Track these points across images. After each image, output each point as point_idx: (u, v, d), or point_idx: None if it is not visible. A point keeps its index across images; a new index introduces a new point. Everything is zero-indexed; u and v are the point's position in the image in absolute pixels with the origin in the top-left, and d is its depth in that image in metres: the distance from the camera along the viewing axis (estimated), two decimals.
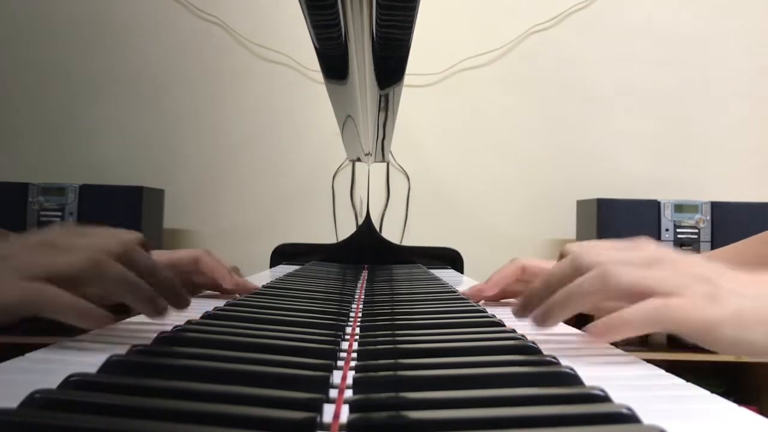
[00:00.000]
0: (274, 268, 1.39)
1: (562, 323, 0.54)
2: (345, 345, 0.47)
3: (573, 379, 0.36)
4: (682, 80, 2.51)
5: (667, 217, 2.18)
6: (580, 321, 0.57)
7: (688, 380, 0.39)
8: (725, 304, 0.42)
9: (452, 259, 1.43)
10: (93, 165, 2.43)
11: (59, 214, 2.14)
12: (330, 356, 0.41)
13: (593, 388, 0.33)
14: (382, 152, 1.26)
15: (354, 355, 0.43)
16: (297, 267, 1.29)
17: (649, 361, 0.44)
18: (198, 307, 0.64)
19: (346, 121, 0.97)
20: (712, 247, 2.17)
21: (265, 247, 1.49)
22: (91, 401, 0.29)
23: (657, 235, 2.18)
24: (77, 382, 0.31)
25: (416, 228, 2.48)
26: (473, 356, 0.42)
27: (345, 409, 0.31)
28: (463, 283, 1.11)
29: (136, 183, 2.21)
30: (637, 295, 0.44)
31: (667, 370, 0.42)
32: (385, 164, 2.44)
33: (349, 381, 0.35)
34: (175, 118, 2.51)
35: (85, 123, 2.49)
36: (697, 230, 2.18)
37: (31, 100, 2.51)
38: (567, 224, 2.42)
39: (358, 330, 0.54)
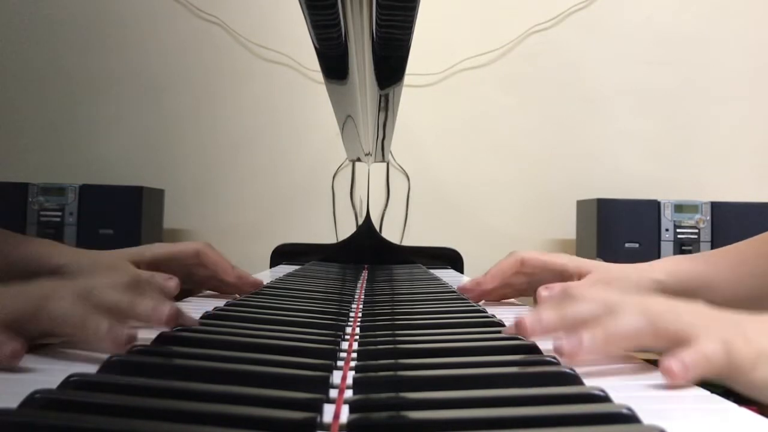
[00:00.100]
0: (274, 268, 1.39)
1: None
2: (345, 345, 0.47)
3: (573, 379, 0.36)
4: (682, 80, 2.51)
5: (667, 217, 2.18)
6: None
7: None
8: (756, 346, 0.41)
9: (452, 259, 1.43)
10: (93, 165, 2.43)
11: (59, 214, 2.14)
12: (330, 356, 0.41)
13: (593, 388, 0.33)
14: (382, 152, 1.26)
15: (354, 355, 0.43)
16: (297, 267, 1.29)
17: (647, 361, 0.44)
18: (198, 307, 0.64)
19: (346, 121, 0.97)
20: (712, 247, 2.16)
21: (265, 247, 1.49)
22: (91, 401, 0.29)
23: (657, 235, 2.18)
24: (77, 382, 0.31)
25: (416, 228, 2.47)
26: (473, 356, 0.42)
27: (345, 409, 0.31)
28: (463, 283, 1.11)
29: (136, 183, 2.21)
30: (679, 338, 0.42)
31: None
32: (385, 164, 2.43)
33: (349, 381, 0.35)
34: (175, 118, 2.51)
35: (85, 123, 2.49)
36: (697, 230, 2.18)
37: (31, 100, 2.51)
38: (567, 224, 2.42)
39: (358, 330, 0.54)
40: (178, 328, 0.48)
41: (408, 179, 2.49)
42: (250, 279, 0.81)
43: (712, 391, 0.37)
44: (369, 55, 0.64)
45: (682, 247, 2.17)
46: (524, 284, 0.80)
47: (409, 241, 2.38)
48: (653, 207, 2.20)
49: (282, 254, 1.45)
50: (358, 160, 1.47)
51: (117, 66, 2.49)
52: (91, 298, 0.42)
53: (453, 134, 2.52)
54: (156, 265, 0.78)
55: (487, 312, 0.61)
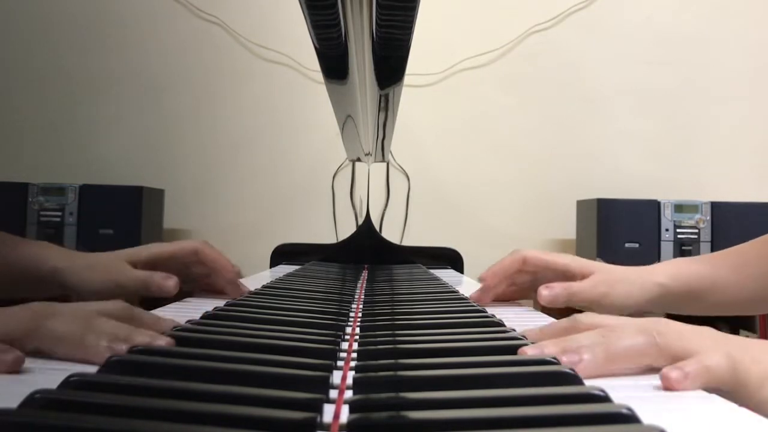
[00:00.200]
0: (274, 268, 1.39)
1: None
2: (345, 345, 0.47)
3: (573, 379, 0.36)
4: (682, 80, 2.51)
5: (667, 217, 2.18)
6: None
7: None
8: (764, 365, 0.40)
9: (452, 259, 1.43)
10: (93, 165, 2.43)
11: (59, 214, 2.14)
12: (330, 356, 0.41)
13: (593, 388, 0.33)
14: (382, 152, 1.26)
15: (354, 355, 0.43)
16: (297, 267, 1.29)
17: None
18: (198, 307, 0.64)
19: (346, 121, 0.97)
20: (712, 247, 2.17)
21: (265, 247, 1.49)
22: (91, 401, 0.29)
23: (657, 235, 2.18)
24: (77, 382, 0.31)
25: (416, 228, 2.48)
26: (473, 356, 0.42)
27: (345, 409, 0.31)
28: (463, 283, 1.12)
29: (136, 183, 2.21)
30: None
31: None
32: (385, 164, 2.43)
33: (349, 381, 0.35)
34: (175, 118, 2.51)
35: (85, 123, 2.49)
36: (697, 230, 2.18)
37: (31, 100, 2.51)
38: (567, 224, 2.42)
39: (358, 330, 0.54)
40: (178, 328, 0.48)
41: (408, 179, 2.49)
42: (242, 290, 0.80)
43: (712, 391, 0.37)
44: (369, 55, 0.64)
45: (682, 247, 2.17)
46: (527, 282, 0.80)
47: (409, 241, 2.38)
48: (653, 207, 2.20)
49: (282, 254, 1.45)
50: (358, 160, 1.47)
51: (117, 66, 2.49)
52: (89, 322, 0.42)
53: (453, 134, 2.52)
54: (153, 264, 0.78)
55: (487, 312, 0.61)
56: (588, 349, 0.41)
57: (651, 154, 2.51)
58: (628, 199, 2.23)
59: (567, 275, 0.75)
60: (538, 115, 2.52)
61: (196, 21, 2.51)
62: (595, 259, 2.18)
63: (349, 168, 2.43)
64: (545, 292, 0.72)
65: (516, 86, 2.52)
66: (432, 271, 1.23)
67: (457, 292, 0.82)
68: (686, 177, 2.49)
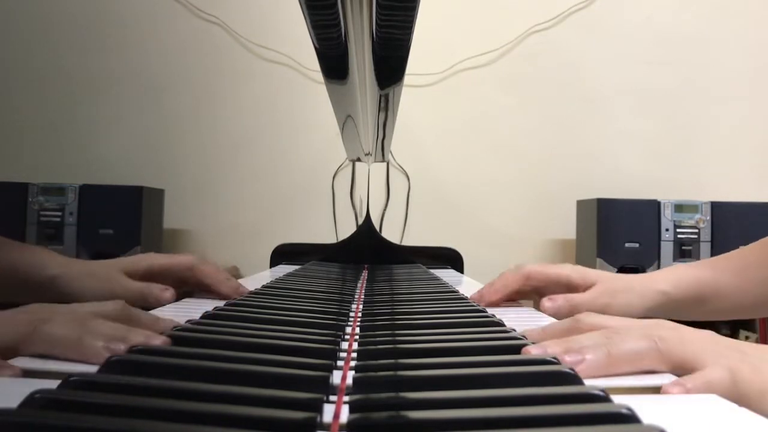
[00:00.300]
0: (274, 268, 1.39)
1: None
2: (345, 345, 0.47)
3: (573, 379, 0.36)
4: (682, 80, 2.51)
5: (667, 217, 2.18)
6: None
7: None
8: (764, 376, 0.41)
9: (452, 259, 1.43)
10: (93, 165, 2.43)
11: (59, 214, 2.14)
12: (330, 356, 0.40)
13: (593, 388, 0.33)
14: (382, 152, 1.26)
15: (354, 355, 0.43)
16: (297, 267, 1.29)
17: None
18: (198, 307, 0.64)
19: (346, 121, 0.97)
20: (712, 247, 2.17)
21: (265, 247, 1.49)
22: (91, 401, 0.29)
23: (657, 235, 2.18)
24: (77, 382, 0.31)
25: (416, 228, 2.48)
26: (473, 356, 0.42)
27: (345, 409, 0.31)
28: (463, 283, 1.11)
29: (136, 183, 2.21)
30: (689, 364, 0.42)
31: None
32: (385, 164, 2.44)
33: (349, 381, 0.35)
34: (175, 118, 2.51)
35: (85, 123, 2.49)
36: (697, 230, 2.18)
37: (31, 100, 2.51)
38: (567, 224, 2.42)
39: (358, 330, 0.54)
40: (178, 328, 0.48)
41: (408, 179, 2.49)
42: (243, 291, 0.80)
43: None
44: (369, 55, 0.64)
45: (682, 246, 2.17)
46: (529, 295, 0.81)
47: (409, 241, 2.38)
48: (653, 207, 2.20)
49: (282, 254, 1.45)
50: (358, 160, 1.47)
51: (117, 66, 2.49)
52: (85, 324, 0.42)
53: (453, 134, 2.52)
54: (149, 276, 0.78)
55: (487, 312, 0.61)
56: (591, 349, 0.41)
57: (651, 154, 2.51)
58: (628, 199, 2.23)
59: (570, 287, 0.76)
60: (538, 115, 2.52)
61: (196, 21, 2.51)
62: (595, 260, 2.19)
63: (349, 168, 2.44)
64: (548, 304, 0.72)
65: (516, 86, 2.52)
66: (432, 271, 1.23)
67: (457, 292, 0.82)
68: (686, 177, 2.49)
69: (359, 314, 0.62)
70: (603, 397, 0.32)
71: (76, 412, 0.28)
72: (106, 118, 2.50)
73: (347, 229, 2.15)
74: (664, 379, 0.40)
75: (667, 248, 2.17)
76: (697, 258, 2.15)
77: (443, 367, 0.38)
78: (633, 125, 2.51)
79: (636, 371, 0.41)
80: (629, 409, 0.29)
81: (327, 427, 0.29)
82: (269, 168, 2.49)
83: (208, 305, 0.63)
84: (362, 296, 0.78)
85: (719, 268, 0.78)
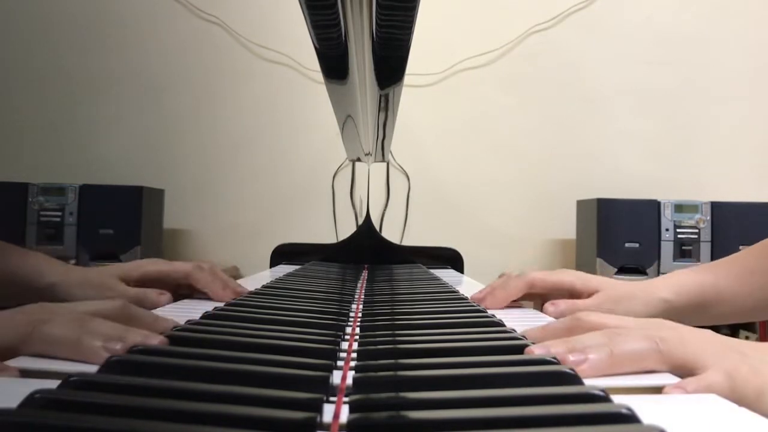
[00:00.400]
0: (274, 268, 1.39)
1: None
2: (345, 345, 0.47)
3: (573, 379, 0.36)
4: (682, 80, 2.51)
5: (667, 217, 2.18)
6: None
7: None
8: (762, 377, 0.41)
9: (452, 259, 1.43)
10: (93, 165, 2.43)
11: (59, 214, 2.14)
12: (330, 356, 0.40)
13: (593, 388, 0.33)
14: (382, 152, 1.26)
15: (354, 355, 0.43)
16: (297, 267, 1.29)
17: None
18: (198, 307, 0.64)
19: (346, 121, 0.97)
20: (712, 247, 2.17)
21: (265, 247, 1.49)
22: (91, 401, 0.29)
23: (657, 235, 2.18)
24: (77, 382, 0.31)
25: (416, 228, 2.48)
26: (473, 356, 0.42)
27: (345, 409, 0.31)
28: (463, 283, 1.11)
29: (136, 183, 2.21)
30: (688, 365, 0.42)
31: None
32: (385, 164, 2.44)
33: (349, 381, 0.35)
34: (175, 118, 2.51)
35: (85, 123, 2.49)
36: (697, 230, 2.18)
37: (31, 100, 2.51)
38: (567, 224, 2.42)
39: (358, 330, 0.54)
40: (178, 328, 0.48)
41: (408, 179, 2.49)
42: (241, 290, 0.80)
43: None
44: (369, 55, 0.64)
45: (682, 247, 2.17)
46: (531, 298, 0.81)
47: (409, 241, 2.38)
48: (653, 207, 2.20)
49: (282, 254, 1.45)
50: (358, 160, 1.47)
51: (117, 66, 2.49)
52: (84, 324, 0.42)
53: (453, 134, 2.52)
54: (145, 282, 0.78)
55: (487, 312, 0.61)
56: (594, 349, 0.42)
57: (651, 154, 2.51)
58: (628, 199, 2.23)
59: (573, 294, 0.76)
60: (538, 115, 2.52)
61: (196, 21, 2.51)
62: (595, 260, 2.19)
63: (349, 168, 2.44)
64: (551, 309, 0.73)
65: (516, 86, 2.52)
66: (432, 271, 1.23)
67: (457, 292, 0.82)
68: (686, 177, 2.49)
69: (359, 314, 0.62)
70: (603, 397, 0.32)
71: (76, 412, 0.28)
72: (106, 118, 2.50)
73: (347, 229, 2.15)
74: (664, 379, 0.40)
75: (667, 248, 2.17)
76: (697, 258, 2.15)
77: (443, 368, 0.38)
78: (633, 125, 2.51)
79: (637, 371, 0.42)
80: (629, 409, 0.29)
81: (327, 427, 0.29)
82: (269, 168, 2.49)
83: (208, 305, 0.63)
84: (362, 296, 0.78)
85: (720, 272, 0.78)
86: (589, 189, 2.39)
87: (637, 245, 2.18)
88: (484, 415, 0.29)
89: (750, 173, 2.50)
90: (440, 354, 0.43)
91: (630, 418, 0.29)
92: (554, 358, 0.40)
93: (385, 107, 0.85)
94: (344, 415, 0.30)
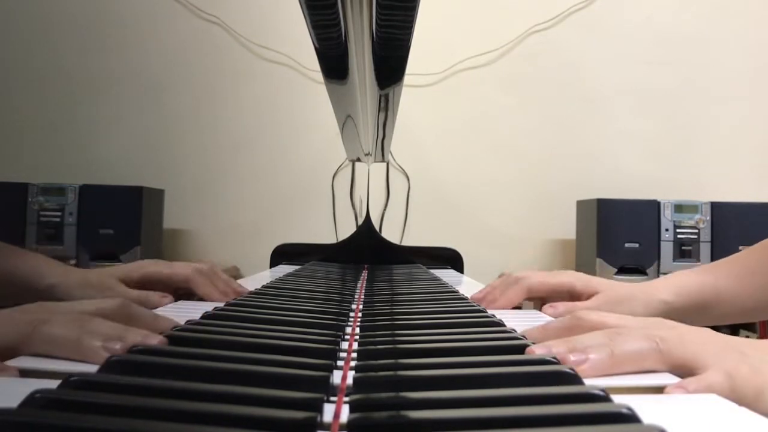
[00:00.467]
0: (274, 268, 1.39)
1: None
2: (345, 345, 0.47)
3: (573, 378, 0.36)
4: (682, 80, 2.51)
5: (667, 217, 2.18)
6: None
7: None
8: (762, 377, 0.41)
9: (452, 259, 1.43)
10: (93, 165, 2.43)
11: (59, 214, 2.14)
12: (330, 356, 0.41)
13: (593, 387, 0.33)
14: (382, 152, 1.26)
15: (354, 355, 0.43)
16: (297, 267, 1.29)
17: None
18: (198, 307, 0.64)
19: (346, 121, 0.97)
20: (712, 247, 2.17)
21: (265, 247, 1.49)
22: (91, 401, 0.29)
23: (657, 235, 2.18)
24: (77, 382, 0.31)
25: (416, 228, 2.48)
26: (473, 356, 0.42)
27: (345, 409, 0.31)
28: (463, 283, 1.11)
29: (136, 183, 2.21)
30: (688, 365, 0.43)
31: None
32: (385, 164, 2.44)
33: (350, 381, 0.35)
34: (175, 118, 2.51)
35: (85, 123, 2.49)
36: (697, 230, 2.18)
37: (31, 100, 2.51)
38: (567, 224, 2.42)
39: (358, 330, 0.54)
40: (178, 328, 0.48)
41: (408, 179, 2.49)
42: (241, 290, 0.81)
43: None
44: (369, 55, 0.64)
45: (682, 247, 2.17)
46: (532, 299, 0.81)
47: (409, 241, 2.38)
48: (653, 207, 2.20)
49: (282, 254, 1.45)
50: (358, 160, 1.47)
51: (117, 66, 2.49)
52: (84, 324, 0.42)
53: (453, 134, 2.52)
54: (145, 284, 0.78)
55: (487, 312, 0.61)
56: (594, 349, 0.42)
57: (651, 154, 2.51)
58: (628, 199, 2.23)
59: (573, 295, 0.76)
60: (538, 115, 2.52)
61: (196, 21, 2.51)
62: (595, 260, 2.19)
63: (349, 168, 2.44)
64: (550, 311, 0.73)
65: (516, 86, 2.52)
66: (432, 271, 1.23)
67: (457, 292, 0.82)
68: (686, 177, 2.49)
69: (359, 314, 0.62)
70: (603, 397, 0.32)
71: (76, 412, 0.28)
72: (106, 118, 2.50)
73: (347, 229, 2.15)
74: (663, 379, 0.40)
75: (667, 248, 2.17)
76: (697, 258, 2.15)
77: (443, 367, 0.38)
78: (633, 125, 2.51)
79: (637, 371, 0.42)
80: (629, 408, 0.29)
81: (327, 426, 0.29)
82: (269, 168, 2.49)
83: (208, 305, 0.63)
84: (362, 296, 0.78)
85: (721, 273, 0.78)
86: (589, 189, 2.39)
87: (637, 245, 2.18)
88: (484, 415, 0.29)
89: (750, 173, 2.50)
90: (440, 354, 0.43)
91: (630, 417, 0.29)
92: (554, 358, 0.40)
93: (385, 107, 0.85)
94: (344, 414, 0.30)
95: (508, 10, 2.52)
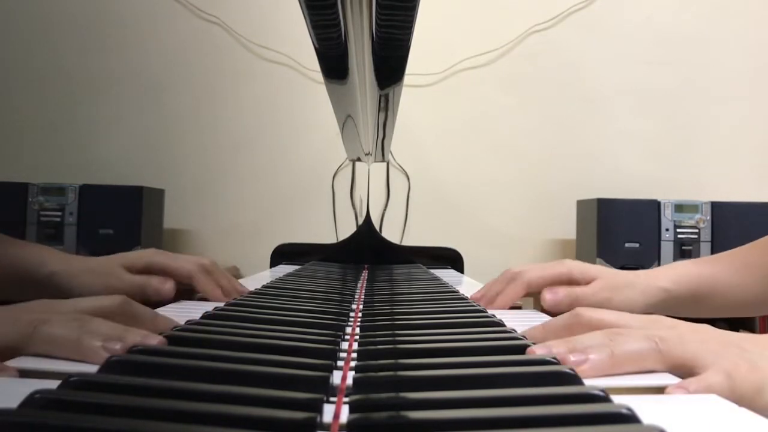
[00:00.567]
0: (274, 268, 1.39)
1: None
2: (345, 345, 0.47)
3: (573, 379, 0.36)
4: (682, 80, 2.51)
5: (667, 217, 2.18)
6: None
7: None
8: (761, 373, 0.41)
9: (452, 259, 1.43)
10: (93, 165, 2.43)
11: (59, 214, 2.14)
12: (330, 356, 0.40)
13: (593, 388, 0.33)
14: (382, 152, 1.26)
15: (354, 355, 0.43)
16: (297, 267, 1.29)
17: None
18: (198, 307, 0.64)
19: (346, 121, 0.97)
20: (712, 247, 2.17)
21: (265, 247, 1.49)
22: (91, 401, 0.29)
23: (657, 235, 2.18)
24: (77, 382, 0.31)
25: (416, 228, 2.48)
26: (473, 356, 0.42)
27: (345, 410, 0.31)
28: (463, 283, 1.11)
29: (136, 183, 2.21)
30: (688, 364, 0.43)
31: None
32: (385, 164, 2.44)
33: (349, 381, 0.35)
34: (175, 118, 2.51)
35: (85, 123, 2.49)
36: (697, 230, 2.18)
37: (31, 100, 2.51)
38: (567, 224, 2.42)
39: (358, 330, 0.54)
40: (178, 328, 0.48)
41: (408, 179, 2.49)
42: (241, 289, 0.80)
43: None
44: (369, 55, 0.64)
45: (682, 246, 2.17)
46: (531, 295, 0.81)
47: (409, 241, 2.38)
48: (653, 207, 2.20)
49: (282, 254, 1.45)
50: (358, 160, 1.47)
51: (117, 66, 2.49)
52: (84, 324, 0.42)
53: (453, 134, 2.52)
54: (149, 272, 0.78)
55: (487, 312, 0.61)
56: (594, 349, 0.42)
57: (651, 154, 2.51)
58: (628, 199, 2.23)
59: (571, 282, 0.76)
60: (538, 115, 2.52)
61: (196, 21, 2.51)
62: (595, 260, 2.19)
63: (349, 168, 2.44)
64: (549, 296, 0.72)
65: (516, 86, 2.52)
66: (432, 271, 1.23)
67: (457, 292, 0.82)
68: (686, 177, 2.49)
69: (359, 314, 0.62)
70: (603, 397, 0.32)
71: (76, 412, 0.28)
72: (106, 118, 2.50)
73: (347, 229, 2.15)
74: (663, 379, 0.40)
75: (667, 248, 2.17)
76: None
77: (443, 368, 0.38)
78: (633, 125, 2.51)
79: (637, 371, 0.42)
80: (629, 409, 0.29)
81: (327, 427, 0.29)
82: (269, 168, 2.49)
83: (208, 305, 0.63)
84: (362, 296, 0.78)
85: (721, 265, 0.78)
86: (589, 189, 2.39)
87: (637, 245, 2.18)
88: (485, 415, 0.29)
89: (750, 173, 2.50)
90: (440, 354, 0.43)
91: (630, 418, 0.29)
92: (554, 358, 0.40)
93: (385, 107, 0.85)
94: (344, 415, 0.30)
95: (508, 10, 2.52)
